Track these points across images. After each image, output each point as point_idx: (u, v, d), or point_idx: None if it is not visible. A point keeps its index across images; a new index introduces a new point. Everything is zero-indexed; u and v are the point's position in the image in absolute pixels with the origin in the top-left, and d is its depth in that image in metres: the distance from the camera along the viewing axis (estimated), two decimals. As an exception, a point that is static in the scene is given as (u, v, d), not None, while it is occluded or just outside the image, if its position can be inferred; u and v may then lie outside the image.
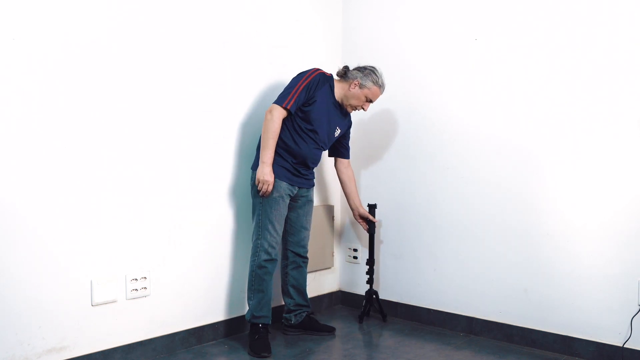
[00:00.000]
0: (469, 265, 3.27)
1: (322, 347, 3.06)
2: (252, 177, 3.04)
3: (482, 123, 3.20)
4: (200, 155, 3.03)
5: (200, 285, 3.06)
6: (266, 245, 2.96)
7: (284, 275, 3.24)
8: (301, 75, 3.00)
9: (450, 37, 3.32)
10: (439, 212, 3.38)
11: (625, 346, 2.76)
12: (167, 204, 2.89)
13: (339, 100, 3.09)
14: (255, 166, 3.01)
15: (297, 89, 2.93)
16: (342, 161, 3.37)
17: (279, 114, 2.91)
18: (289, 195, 3.03)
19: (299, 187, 3.08)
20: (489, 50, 3.16)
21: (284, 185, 2.98)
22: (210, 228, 3.09)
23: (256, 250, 2.99)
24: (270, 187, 2.89)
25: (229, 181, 3.17)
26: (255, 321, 2.99)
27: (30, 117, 2.41)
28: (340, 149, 3.34)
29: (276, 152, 2.97)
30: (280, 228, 3.01)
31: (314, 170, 3.22)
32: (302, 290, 3.25)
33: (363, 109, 3.11)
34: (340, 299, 3.87)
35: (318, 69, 3.04)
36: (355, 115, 3.67)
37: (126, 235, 2.74)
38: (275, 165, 2.96)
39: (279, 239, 3.02)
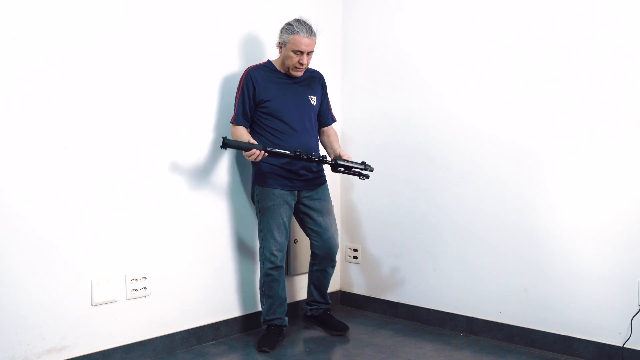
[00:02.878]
0: (469, 265, 3.27)
1: (322, 347, 3.06)
2: (250, 190, 3.10)
3: (482, 123, 3.20)
4: (200, 156, 3.03)
5: (200, 285, 3.06)
6: (268, 254, 3.00)
7: (309, 271, 3.26)
8: (238, 88, 3.00)
9: (450, 37, 3.31)
10: (439, 212, 3.38)
11: (625, 346, 2.76)
12: (167, 204, 2.89)
13: (285, 72, 3.03)
14: (254, 180, 3.04)
15: (237, 102, 2.97)
16: (323, 130, 3.20)
17: (233, 129, 2.96)
18: (288, 201, 3.01)
19: (299, 191, 3.05)
20: (489, 50, 3.16)
21: (276, 192, 2.98)
22: (211, 228, 3.09)
23: (261, 258, 3.05)
24: (258, 157, 2.77)
25: (228, 181, 3.17)
26: (268, 323, 3.07)
27: (31, 117, 2.41)
28: (319, 119, 3.16)
29: (263, 160, 2.87)
30: (280, 235, 3.00)
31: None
32: (322, 290, 3.28)
33: (301, 64, 2.92)
34: (340, 299, 3.87)
35: (247, 69, 3.02)
36: (354, 115, 3.67)
37: (126, 235, 2.74)
38: (266, 173, 2.97)
39: (281, 245, 3.02)
